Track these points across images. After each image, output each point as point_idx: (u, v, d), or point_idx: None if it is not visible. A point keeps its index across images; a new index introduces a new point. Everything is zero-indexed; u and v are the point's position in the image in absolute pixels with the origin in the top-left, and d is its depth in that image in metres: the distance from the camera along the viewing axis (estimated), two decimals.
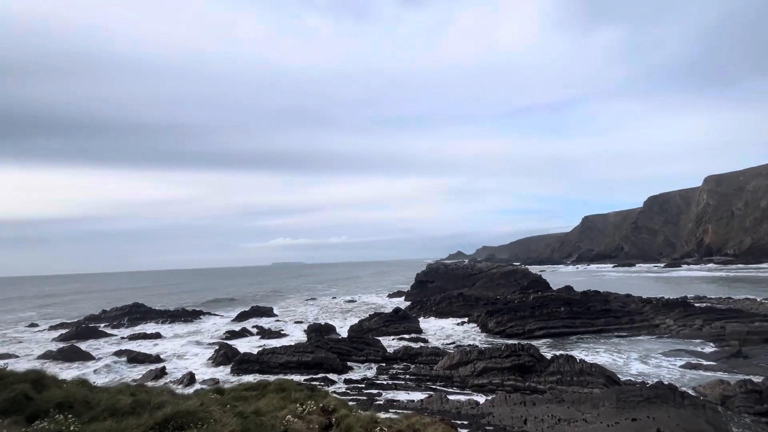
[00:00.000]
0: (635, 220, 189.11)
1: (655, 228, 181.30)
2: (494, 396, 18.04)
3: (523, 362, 20.79)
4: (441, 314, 46.01)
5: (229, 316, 53.79)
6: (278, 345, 31.23)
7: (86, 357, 31.87)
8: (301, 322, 46.65)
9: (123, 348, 33.57)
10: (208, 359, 29.68)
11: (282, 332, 40.21)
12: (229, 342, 34.74)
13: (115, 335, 42.51)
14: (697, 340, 29.22)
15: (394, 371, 24.35)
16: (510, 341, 30.70)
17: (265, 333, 39.76)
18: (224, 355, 29.16)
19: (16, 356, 33.09)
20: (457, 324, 40.76)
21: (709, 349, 26.75)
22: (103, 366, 29.07)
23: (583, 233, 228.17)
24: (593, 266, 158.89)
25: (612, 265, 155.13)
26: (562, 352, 25.12)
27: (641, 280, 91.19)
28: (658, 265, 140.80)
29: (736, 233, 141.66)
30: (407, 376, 23.15)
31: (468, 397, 18.82)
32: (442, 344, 31.50)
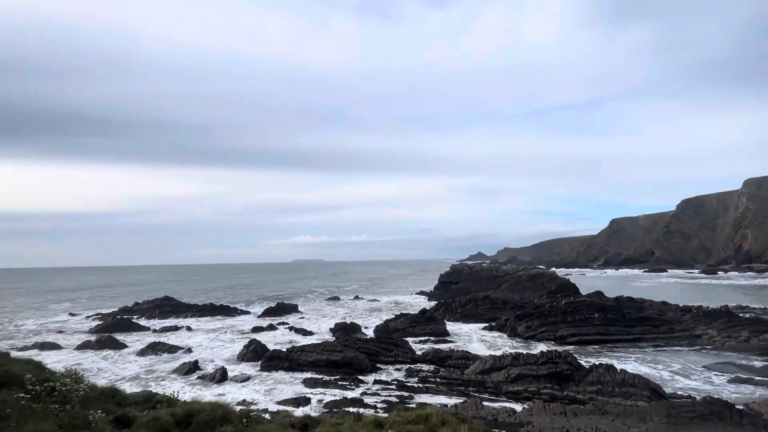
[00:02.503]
0: (667, 224, 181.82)
1: (689, 232, 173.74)
2: (531, 404, 17.48)
3: (560, 370, 20.10)
4: (467, 317, 45.31)
5: (255, 312, 54.71)
6: (305, 342, 31.49)
7: (121, 347, 33.05)
8: (326, 320, 46.93)
9: (157, 340, 34.57)
10: (238, 354, 30.13)
11: (308, 330, 40.49)
12: (257, 337, 35.21)
13: (148, 327, 43.86)
14: (744, 353, 27.62)
15: (424, 374, 24.04)
16: (540, 347, 29.88)
17: (291, 330, 40.16)
18: (254, 350, 29.54)
19: (59, 346, 34.54)
20: (484, 327, 40.01)
21: (759, 362, 25.21)
22: (139, 358, 30.00)
23: (611, 236, 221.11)
24: (622, 271, 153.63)
25: (642, 270, 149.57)
26: (597, 360, 24.23)
27: (675, 287, 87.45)
28: (692, 271, 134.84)
29: None
30: (438, 380, 22.80)
31: (504, 405, 18.31)
32: (472, 348, 30.91)
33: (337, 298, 72.38)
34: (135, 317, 50.17)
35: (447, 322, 41.68)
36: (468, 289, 66.34)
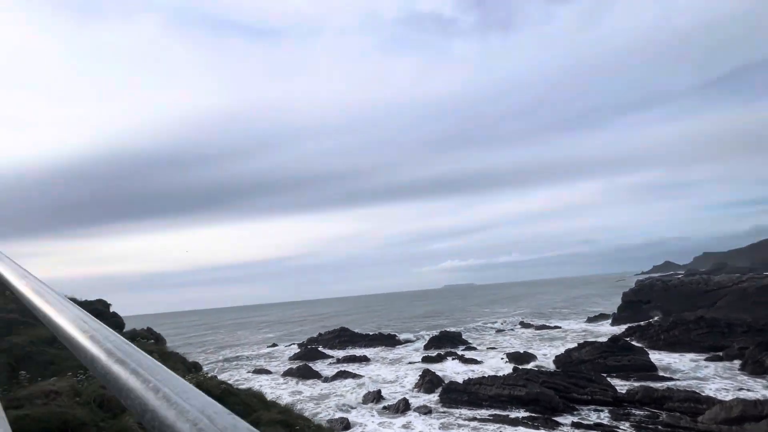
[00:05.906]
0: None
1: None
2: None
3: None
4: (674, 344, 36.47)
5: (421, 341, 55.67)
6: (478, 374, 30.01)
7: (317, 376, 37.50)
8: (495, 350, 44.36)
9: (341, 369, 38.17)
10: (415, 385, 30.62)
11: (478, 360, 38.84)
12: (429, 368, 35.35)
13: (332, 356, 49.02)
14: None
15: (637, 418, 19.76)
16: None
17: (460, 360, 39.19)
18: (429, 381, 29.59)
19: (270, 372, 41.53)
20: (707, 359, 31.35)
21: None
22: (331, 386, 33.43)
23: None
24: None
25: None
26: None
27: None
28: None
29: None
30: (660, 428, 18.38)
31: None
32: (698, 387, 24.35)
33: (499, 323, 68.34)
34: (320, 347, 56.96)
35: (647, 351, 34.24)
36: (665, 309, 54.09)
